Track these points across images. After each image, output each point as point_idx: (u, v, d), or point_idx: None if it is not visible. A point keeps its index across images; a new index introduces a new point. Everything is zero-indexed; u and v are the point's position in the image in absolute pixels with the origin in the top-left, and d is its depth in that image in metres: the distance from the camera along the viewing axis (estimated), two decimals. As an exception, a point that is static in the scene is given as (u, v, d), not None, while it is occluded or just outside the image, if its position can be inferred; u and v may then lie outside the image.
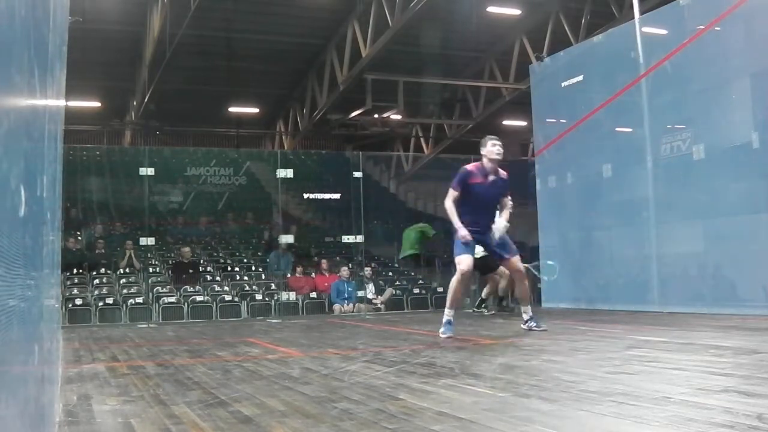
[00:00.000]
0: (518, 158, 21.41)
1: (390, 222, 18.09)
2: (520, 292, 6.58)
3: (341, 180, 14.95)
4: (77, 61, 10.48)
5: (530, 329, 6.26)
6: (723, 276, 8.73)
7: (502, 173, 6.24)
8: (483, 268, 8.80)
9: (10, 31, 1.02)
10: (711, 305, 8.36)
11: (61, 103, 3.89)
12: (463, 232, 5.99)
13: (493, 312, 9.43)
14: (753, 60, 8.20)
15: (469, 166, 6.22)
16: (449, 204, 6.17)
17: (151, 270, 13.44)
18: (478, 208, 6.16)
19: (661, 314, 8.44)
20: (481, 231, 6.15)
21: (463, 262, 6.04)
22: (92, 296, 11.58)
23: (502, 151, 6.10)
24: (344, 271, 12.45)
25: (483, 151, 6.17)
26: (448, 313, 6.12)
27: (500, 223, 6.26)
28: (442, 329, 6.02)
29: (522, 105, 15.11)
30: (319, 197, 17.39)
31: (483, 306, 9.75)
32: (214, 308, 11.51)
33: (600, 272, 10.69)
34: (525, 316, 6.39)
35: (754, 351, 4.52)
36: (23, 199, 1.21)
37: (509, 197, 6.39)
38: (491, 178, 6.14)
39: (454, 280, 6.17)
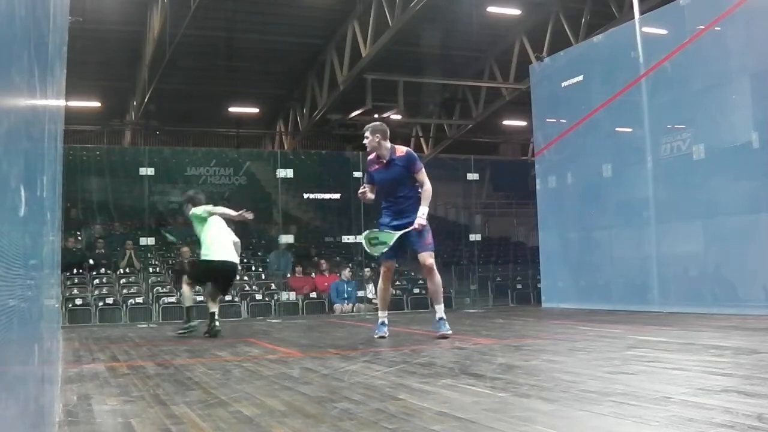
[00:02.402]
0: (518, 158, 21.46)
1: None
2: (430, 291, 6.57)
3: (341, 180, 14.95)
4: (77, 61, 10.48)
5: (438, 331, 5.96)
6: (723, 276, 8.73)
7: (400, 152, 6.12)
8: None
9: (10, 31, 1.02)
10: (711, 305, 8.36)
11: (61, 103, 3.89)
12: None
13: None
14: (753, 60, 8.20)
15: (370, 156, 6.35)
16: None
17: (151, 270, 13.44)
18: (383, 194, 6.19)
19: (661, 314, 8.44)
20: (395, 216, 6.06)
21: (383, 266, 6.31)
22: (92, 296, 11.58)
23: (367, 140, 6.20)
24: (346, 272, 12.45)
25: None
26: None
27: (420, 210, 6.01)
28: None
29: (522, 105, 15.12)
30: (319, 197, 17.38)
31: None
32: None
33: (600, 272, 10.70)
34: (436, 316, 6.10)
35: (754, 351, 4.52)
36: (23, 199, 1.21)
37: (424, 181, 6.06)
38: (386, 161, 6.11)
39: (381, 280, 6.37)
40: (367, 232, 6.11)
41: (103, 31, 14.42)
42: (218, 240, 7.36)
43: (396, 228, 5.96)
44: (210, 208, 7.58)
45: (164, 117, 18.56)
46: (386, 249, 5.97)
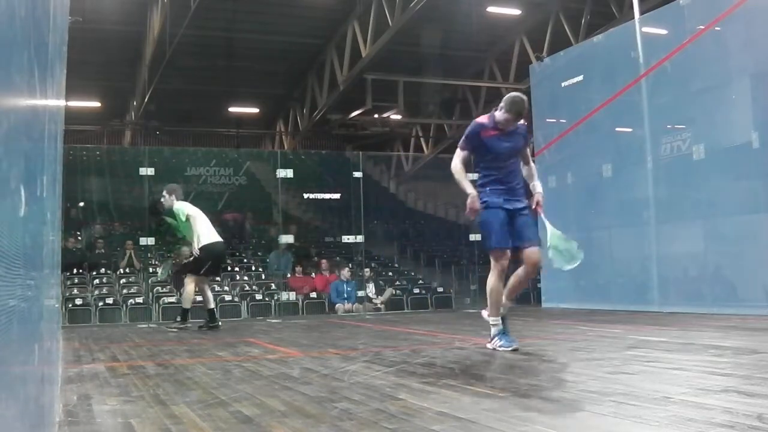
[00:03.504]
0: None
1: (390, 222, 18.09)
2: (515, 285, 5.12)
3: (341, 180, 14.93)
4: (77, 61, 10.47)
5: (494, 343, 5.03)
6: (723, 276, 8.73)
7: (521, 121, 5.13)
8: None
9: (10, 31, 1.02)
10: (711, 305, 8.36)
11: (61, 103, 3.89)
12: (475, 203, 4.84)
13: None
14: (753, 60, 8.20)
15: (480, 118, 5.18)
16: (455, 164, 5.01)
17: (151, 270, 13.43)
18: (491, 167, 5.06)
19: (661, 314, 8.44)
20: (508, 197, 5.00)
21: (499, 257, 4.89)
22: (92, 296, 11.58)
23: (499, 112, 5.00)
24: (345, 272, 12.45)
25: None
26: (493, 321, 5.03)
27: (538, 186, 5.15)
28: (500, 342, 4.95)
29: (522, 105, 15.08)
30: (319, 197, 17.37)
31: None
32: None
33: (600, 272, 10.69)
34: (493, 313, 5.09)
35: (754, 351, 4.52)
36: (23, 199, 1.21)
37: (529, 156, 5.30)
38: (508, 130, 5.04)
39: (493, 276, 4.98)
40: (558, 235, 5.05)
41: (103, 31, 14.42)
42: (209, 225, 8.04)
43: (511, 211, 4.92)
44: (194, 212, 7.97)
45: (164, 117, 18.55)
46: (573, 264, 5.02)
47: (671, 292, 9.21)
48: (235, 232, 15.70)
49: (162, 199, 8.28)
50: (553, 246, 5.06)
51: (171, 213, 8.10)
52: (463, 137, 5.04)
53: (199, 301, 8.28)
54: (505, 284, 5.02)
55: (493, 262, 4.91)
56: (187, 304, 7.95)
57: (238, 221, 16.16)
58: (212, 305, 8.10)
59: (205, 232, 7.90)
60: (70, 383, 3.81)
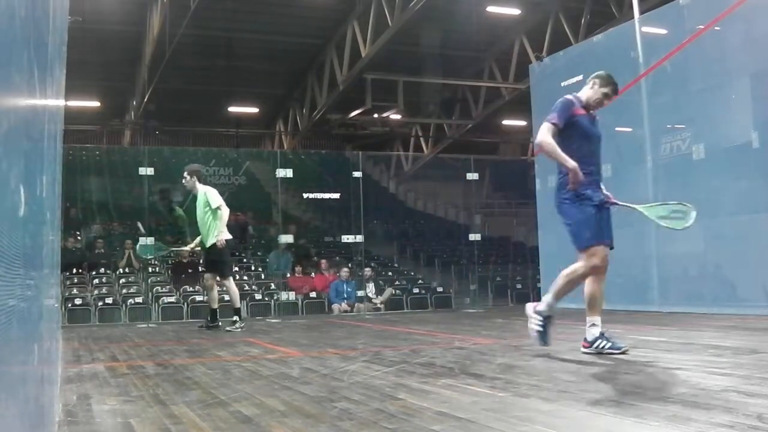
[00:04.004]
0: (518, 158, 21.45)
1: (390, 222, 18.09)
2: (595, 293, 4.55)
3: (341, 180, 14.94)
4: (77, 61, 10.47)
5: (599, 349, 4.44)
6: (723, 276, 8.73)
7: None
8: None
9: (10, 31, 1.02)
10: (711, 305, 8.36)
11: (61, 103, 3.89)
12: (579, 175, 4.37)
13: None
14: (753, 60, 8.20)
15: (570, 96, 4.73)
16: (547, 138, 4.49)
17: (150, 270, 13.43)
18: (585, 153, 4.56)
19: (661, 314, 8.44)
20: (597, 190, 4.57)
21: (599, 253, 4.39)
22: (92, 296, 11.58)
23: (592, 89, 4.67)
24: (344, 272, 12.45)
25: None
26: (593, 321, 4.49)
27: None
28: (608, 344, 4.40)
29: (522, 105, 15.10)
30: (318, 197, 17.38)
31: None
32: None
33: (600, 272, 10.67)
34: (595, 331, 4.47)
35: (754, 351, 4.52)
36: (23, 199, 1.21)
37: None
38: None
39: (579, 274, 4.49)
40: (651, 207, 4.71)
41: (103, 31, 14.42)
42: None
43: (599, 205, 4.50)
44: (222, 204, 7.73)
45: (164, 117, 18.55)
46: (691, 218, 4.41)
47: (671, 292, 9.21)
48: (236, 234, 15.73)
49: (183, 180, 7.92)
50: (660, 217, 4.61)
51: (190, 198, 7.88)
52: (555, 112, 4.51)
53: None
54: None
55: (588, 261, 4.38)
56: (216, 304, 8.00)
57: (241, 223, 16.19)
58: (216, 305, 8.04)
59: (224, 226, 7.68)
60: (69, 383, 3.81)
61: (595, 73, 4.71)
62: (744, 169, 8.15)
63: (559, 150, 4.43)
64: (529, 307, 4.78)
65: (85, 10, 11.42)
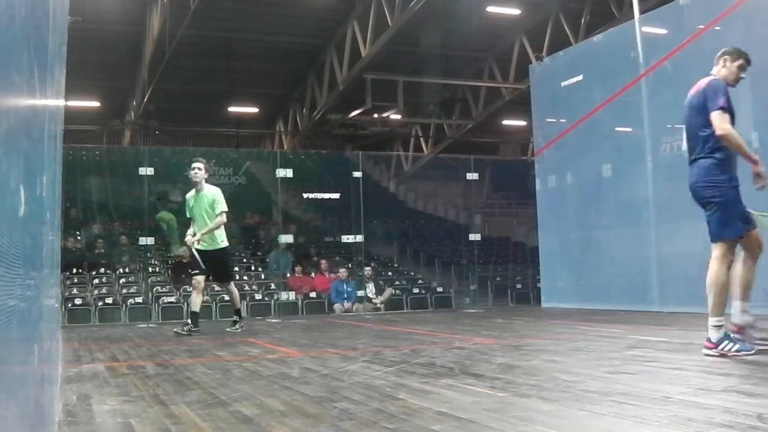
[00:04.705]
0: (518, 158, 21.45)
1: (390, 222, 18.08)
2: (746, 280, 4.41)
3: (341, 180, 14.93)
4: (77, 61, 10.46)
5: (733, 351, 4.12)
6: (723, 276, 8.71)
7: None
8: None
9: (10, 31, 1.02)
10: (711, 305, 8.34)
11: (61, 103, 3.89)
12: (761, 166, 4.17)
13: None
14: (753, 60, 8.19)
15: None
16: (731, 129, 4.23)
17: (150, 270, 13.43)
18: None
19: (661, 314, 8.44)
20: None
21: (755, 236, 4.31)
22: (92, 296, 11.58)
23: (737, 64, 4.57)
24: (342, 272, 12.45)
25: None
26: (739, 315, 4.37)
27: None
28: (736, 346, 4.15)
29: (522, 105, 15.11)
30: (318, 197, 17.37)
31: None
32: (213, 308, 11.49)
33: (600, 272, 10.69)
34: (737, 321, 4.34)
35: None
36: (23, 199, 1.21)
37: None
38: None
39: (723, 269, 4.28)
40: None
41: (103, 31, 14.42)
42: None
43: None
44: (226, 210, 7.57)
45: (164, 117, 18.55)
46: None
47: (671, 292, 9.20)
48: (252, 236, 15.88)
49: (193, 172, 7.51)
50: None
51: (189, 199, 7.50)
52: (718, 97, 4.28)
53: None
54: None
55: (724, 253, 4.26)
56: (237, 304, 7.89)
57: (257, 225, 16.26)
58: (198, 309, 7.57)
59: (223, 233, 7.49)
60: (69, 383, 3.81)
61: (721, 50, 4.57)
62: (744, 169, 8.13)
63: (743, 142, 4.29)
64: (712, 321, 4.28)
65: (85, 10, 11.41)
